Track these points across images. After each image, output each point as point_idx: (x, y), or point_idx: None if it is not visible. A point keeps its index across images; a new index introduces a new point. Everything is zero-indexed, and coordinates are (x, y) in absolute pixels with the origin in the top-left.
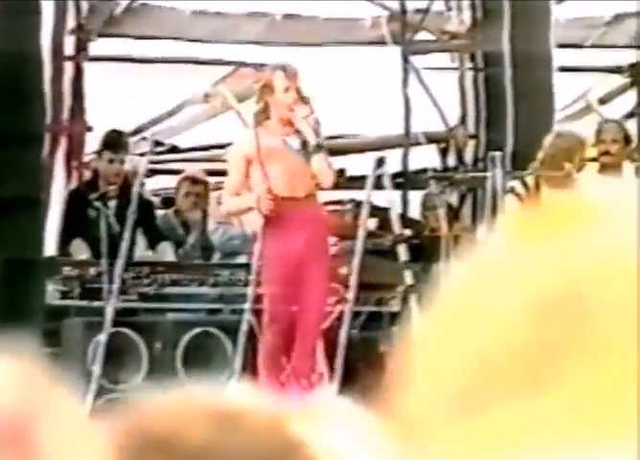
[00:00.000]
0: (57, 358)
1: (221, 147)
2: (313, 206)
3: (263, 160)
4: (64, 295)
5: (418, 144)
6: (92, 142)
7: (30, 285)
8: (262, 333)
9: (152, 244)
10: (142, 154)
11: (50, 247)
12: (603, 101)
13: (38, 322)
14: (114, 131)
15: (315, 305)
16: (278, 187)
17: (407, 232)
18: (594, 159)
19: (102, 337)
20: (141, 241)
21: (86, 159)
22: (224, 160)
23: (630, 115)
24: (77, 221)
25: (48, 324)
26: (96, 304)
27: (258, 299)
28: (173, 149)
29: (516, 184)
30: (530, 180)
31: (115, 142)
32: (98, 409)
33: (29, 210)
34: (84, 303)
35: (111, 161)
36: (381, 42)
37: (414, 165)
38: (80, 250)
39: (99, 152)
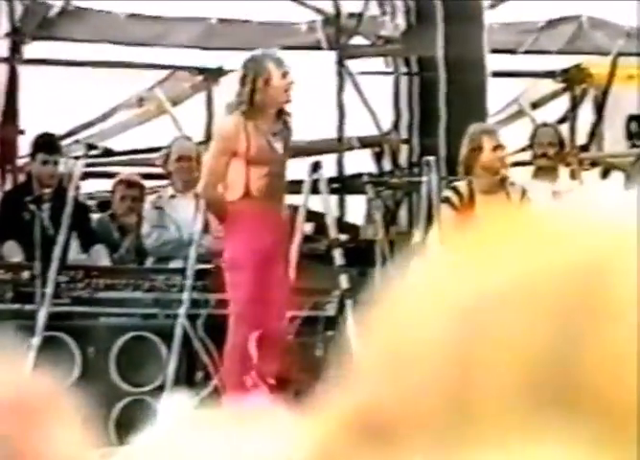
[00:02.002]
0: None
1: (156, 150)
2: (281, 208)
3: (250, 161)
4: None
5: (352, 148)
6: (26, 145)
7: None
8: (230, 334)
9: (86, 248)
10: (76, 157)
11: None
12: (535, 105)
13: None
14: (46, 134)
15: (281, 306)
16: (256, 190)
17: (343, 236)
18: (529, 163)
19: (35, 341)
20: (75, 245)
21: (20, 163)
22: (158, 165)
23: (563, 120)
24: (11, 224)
25: None
26: (29, 307)
27: (193, 303)
28: (108, 153)
29: (450, 193)
30: (463, 187)
31: (48, 144)
32: None
33: None
34: (17, 306)
35: (44, 163)
36: (316, 47)
37: (350, 169)
38: (14, 253)
39: (32, 155)
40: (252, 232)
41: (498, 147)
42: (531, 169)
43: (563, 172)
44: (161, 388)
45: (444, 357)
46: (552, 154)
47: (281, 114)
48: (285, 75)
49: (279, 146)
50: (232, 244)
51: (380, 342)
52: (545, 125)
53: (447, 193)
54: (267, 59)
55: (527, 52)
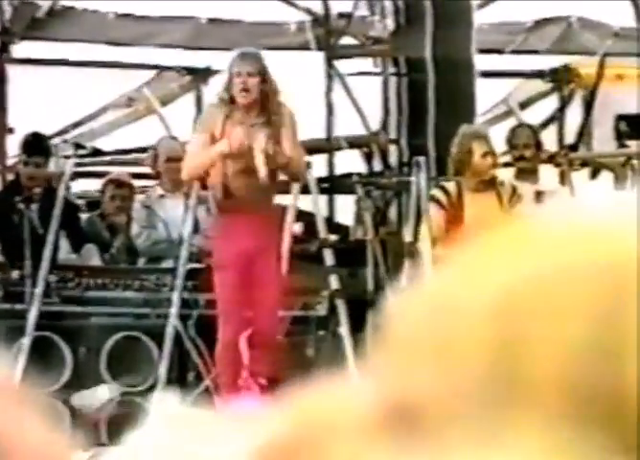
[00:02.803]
0: None
1: (144, 150)
2: (264, 208)
3: (227, 158)
4: None
5: (340, 148)
6: (14, 145)
7: None
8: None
9: (76, 248)
10: (66, 157)
11: None
12: (523, 105)
13: None
14: (36, 134)
15: (269, 305)
16: (235, 189)
17: (333, 237)
18: (509, 164)
19: (26, 341)
20: (65, 245)
21: (9, 162)
22: (147, 165)
23: (551, 120)
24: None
25: None
26: (19, 307)
27: (184, 303)
28: (96, 153)
29: (438, 192)
30: (451, 187)
31: (38, 144)
32: None
33: None
34: (7, 306)
35: (34, 164)
36: (305, 47)
37: (340, 170)
38: None
39: (21, 155)
40: (233, 232)
41: (488, 153)
42: (513, 169)
43: (551, 172)
44: (152, 388)
45: (486, 343)
46: (528, 156)
47: (264, 109)
48: (248, 74)
49: (258, 136)
50: (216, 244)
51: (419, 327)
52: (520, 125)
53: (435, 192)
54: (238, 57)
55: (515, 52)
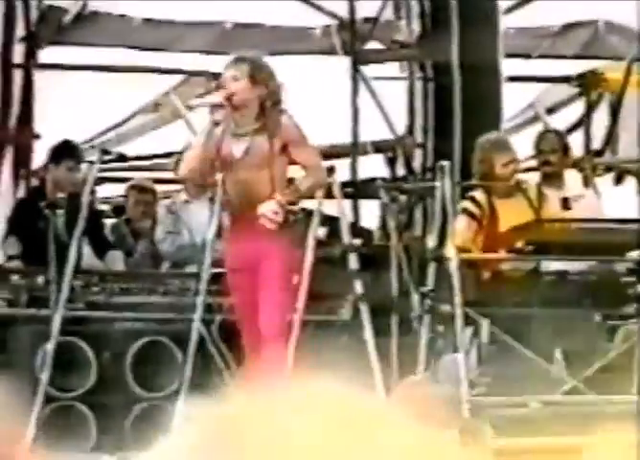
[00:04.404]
0: (5, 367)
1: (170, 155)
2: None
3: (221, 164)
4: (11, 303)
5: (366, 153)
6: (41, 150)
7: None
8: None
9: (100, 253)
10: (91, 162)
11: None
12: (550, 110)
13: None
14: (69, 141)
15: (268, 310)
16: (234, 196)
17: (357, 241)
18: (535, 169)
19: (50, 346)
20: (89, 250)
21: (35, 167)
22: (171, 170)
23: (578, 125)
24: (25, 229)
25: None
26: (44, 312)
27: (208, 308)
28: (122, 158)
29: (468, 203)
30: (480, 196)
31: (71, 151)
32: (45, 418)
33: None
34: (32, 311)
35: (67, 170)
36: (331, 51)
37: (364, 174)
38: (13, 248)
39: (53, 161)
40: (234, 238)
41: (509, 162)
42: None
43: (575, 177)
44: (176, 393)
45: None
46: (554, 161)
47: (260, 117)
48: (233, 78)
49: (241, 149)
50: (225, 250)
51: None
52: (548, 131)
53: (466, 203)
54: (228, 62)
55: (542, 56)
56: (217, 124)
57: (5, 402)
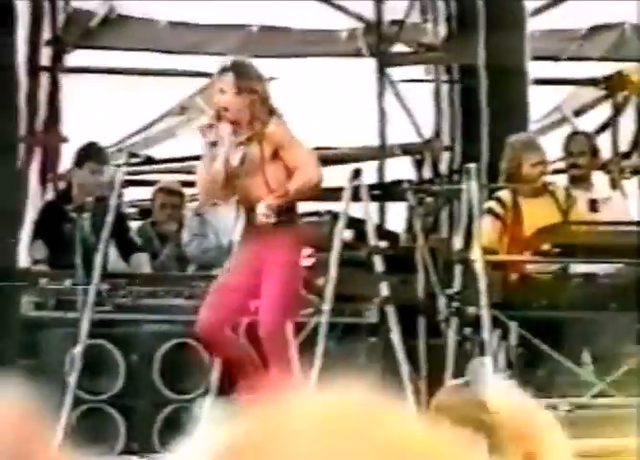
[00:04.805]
0: (34, 370)
1: (196, 158)
2: (284, 227)
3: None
4: (39, 307)
5: (393, 156)
6: (68, 154)
7: (5, 296)
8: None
9: (126, 256)
10: (118, 165)
11: (25, 259)
12: (577, 113)
13: (14, 334)
14: (93, 143)
15: (264, 317)
16: (241, 200)
17: (383, 244)
18: (563, 171)
19: (78, 349)
20: (115, 253)
21: (62, 171)
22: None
23: (605, 127)
24: (51, 233)
25: (23, 336)
26: (71, 315)
27: None
28: (149, 161)
29: (493, 203)
30: (506, 196)
31: (94, 153)
32: (74, 420)
33: (4, 222)
34: (60, 314)
35: (91, 172)
36: (357, 54)
37: (390, 177)
38: (40, 252)
39: (78, 164)
40: (242, 242)
41: (538, 163)
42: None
43: (602, 179)
44: (204, 395)
45: None
46: (582, 163)
47: (251, 123)
48: (220, 90)
49: (238, 158)
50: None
51: None
52: (576, 133)
53: (491, 203)
54: (215, 76)
55: (569, 59)
56: (213, 144)
57: (34, 405)
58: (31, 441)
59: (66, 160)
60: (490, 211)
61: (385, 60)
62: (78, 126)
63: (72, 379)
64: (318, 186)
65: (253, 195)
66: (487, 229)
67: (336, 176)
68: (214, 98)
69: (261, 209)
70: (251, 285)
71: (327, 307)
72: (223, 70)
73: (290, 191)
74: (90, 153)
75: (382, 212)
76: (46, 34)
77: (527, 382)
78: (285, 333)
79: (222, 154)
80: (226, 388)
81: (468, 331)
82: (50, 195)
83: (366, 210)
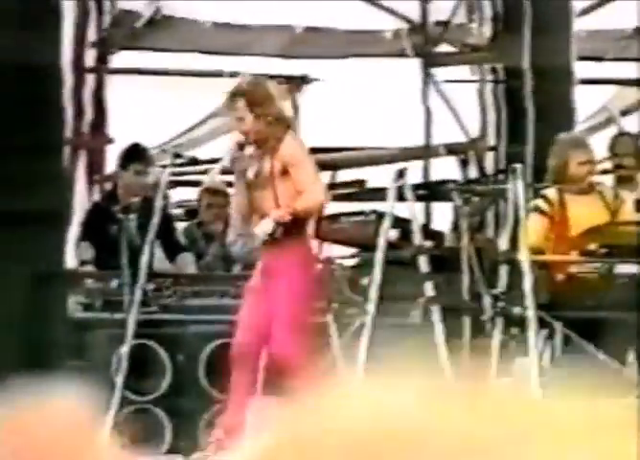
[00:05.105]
0: (82, 371)
1: None
2: (292, 243)
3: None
4: (86, 308)
5: (438, 155)
6: (114, 155)
7: (53, 298)
8: None
9: (171, 256)
10: (163, 166)
11: (72, 260)
12: (623, 113)
13: (62, 335)
14: (138, 144)
15: (280, 331)
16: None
17: (428, 243)
18: (609, 171)
19: (125, 349)
20: (161, 253)
21: (108, 172)
22: None
23: None
24: (97, 234)
25: (71, 337)
26: (118, 316)
27: None
28: (194, 162)
29: (540, 201)
30: (552, 194)
31: (141, 155)
32: (120, 421)
33: (51, 223)
34: (106, 315)
35: (137, 173)
36: (402, 54)
37: (436, 176)
38: (87, 253)
39: (123, 165)
40: (259, 255)
41: (586, 162)
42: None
43: None
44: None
45: None
46: (628, 164)
47: (267, 140)
48: (238, 120)
49: (253, 171)
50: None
51: None
52: (622, 134)
53: (538, 201)
54: (228, 101)
55: (615, 59)
56: (243, 171)
57: (86, 407)
58: (85, 442)
59: (112, 161)
60: (536, 209)
61: (430, 61)
62: (123, 128)
63: (119, 380)
64: (323, 207)
65: (264, 208)
66: (533, 227)
67: (382, 176)
68: (233, 125)
69: (264, 224)
70: (267, 303)
71: (371, 307)
72: (235, 94)
73: (297, 210)
74: (134, 155)
75: (427, 212)
76: (92, 35)
77: (572, 382)
78: (299, 356)
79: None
80: (271, 388)
81: (513, 331)
82: (96, 197)
83: (411, 210)
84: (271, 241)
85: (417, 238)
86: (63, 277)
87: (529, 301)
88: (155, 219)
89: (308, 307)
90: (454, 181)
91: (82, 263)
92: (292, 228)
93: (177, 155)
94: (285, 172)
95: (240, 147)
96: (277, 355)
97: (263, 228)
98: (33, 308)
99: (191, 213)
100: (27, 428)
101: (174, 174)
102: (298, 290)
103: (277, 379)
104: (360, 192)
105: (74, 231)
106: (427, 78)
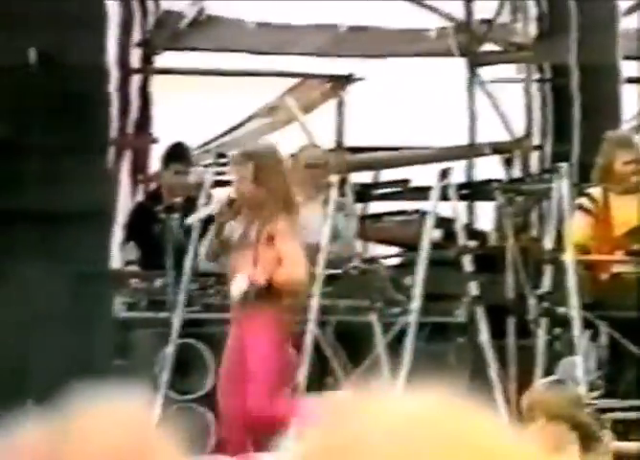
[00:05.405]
0: (127, 370)
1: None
2: (264, 311)
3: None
4: (131, 307)
5: (482, 154)
6: (158, 154)
7: (98, 298)
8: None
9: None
10: (206, 166)
11: (117, 260)
12: None
13: (108, 335)
14: (179, 144)
15: (250, 404)
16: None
17: (472, 243)
18: None
19: (170, 349)
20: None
21: (152, 172)
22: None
23: None
24: (142, 234)
25: (116, 336)
26: (162, 315)
27: (323, 310)
28: None
29: (584, 200)
30: (597, 193)
31: (180, 154)
32: (165, 420)
33: (96, 223)
34: (151, 314)
35: (177, 173)
36: (447, 53)
37: (480, 176)
38: (131, 253)
39: (164, 165)
40: (231, 316)
41: (631, 161)
42: None
43: None
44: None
45: None
46: None
47: (259, 207)
48: (240, 177)
49: (238, 233)
50: None
51: None
52: None
53: (582, 200)
54: (237, 157)
55: None
56: (223, 223)
57: (139, 407)
58: (150, 445)
59: (156, 161)
60: (580, 207)
61: (475, 60)
62: (167, 128)
63: (163, 379)
64: (301, 287)
65: (241, 269)
66: (578, 225)
67: (425, 175)
68: (233, 183)
69: (238, 281)
70: (241, 364)
71: (415, 306)
72: (244, 156)
73: (274, 279)
74: (175, 154)
75: (471, 211)
76: (136, 35)
77: (617, 383)
78: (274, 416)
79: (229, 227)
80: (313, 386)
81: (557, 331)
82: (140, 197)
83: (455, 209)
84: (245, 302)
85: (460, 237)
86: (108, 277)
87: (573, 301)
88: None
89: (280, 369)
90: (498, 180)
91: (127, 263)
92: (266, 296)
93: (221, 155)
94: (270, 240)
95: (230, 203)
96: (254, 416)
97: (238, 285)
98: (78, 308)
99: None
100: (89, 434)
101: (217, 174)
102: (267, 356)
103: (255, 435)
104: (404, 191)
105: (119, 231)
106: (472, 77)
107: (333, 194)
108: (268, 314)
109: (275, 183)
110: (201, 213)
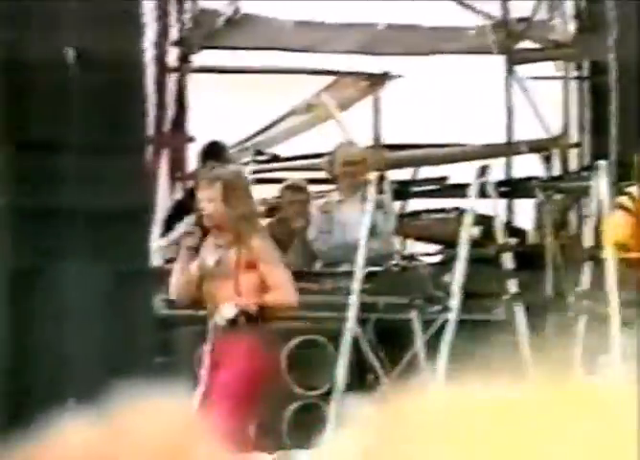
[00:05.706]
0: (168, 368)
1: (321, 156)
2: (248, 334)
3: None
4: (171, 305)
5: (521, 152)
6: (195, 152)
7: (139, 296)
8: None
9: None
10: (243, 164)
11: (156, 258)
12: None
13: (149, 333)
14: (216, 142)
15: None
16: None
17: (512, 240)
18: None
19: (207, 348)
20: None
21: (189, 169)
22: (324, 169)
23: None
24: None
25: (157, 334)
26: (202, 312)
27: (362, 307)
28: (275, 159)
29: (624, 199)
30: (637, 192)
31: (215, 152)
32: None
33: (135, 221)
34: (191, 312)
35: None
36: (485, 51)
37: (519, 173)
38: (170, 250)
39: (202, 163)
40: (206, 343)
41: None
42: None
43: None
44: (331, 391)
45: None
46: None
47: (233, 230)
48: (208, 200)
49: (214, 259)
50: None
51: None
52: None
53: (621, 198)
54: (205, 181)
55: None
56: (191, 249)
57: (183, 405)
58: (194, 441)
59: (193, 159)
60: (621, 206)
61: (513, 57)
62: (204, 126)
63: (202, 376)
64: (291, 308)
65: (221, 296)
66: (618, 224)
67: (463, 173)
68: (200, 203)
69: (224, 310)
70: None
71: (455, 304)
72: (212, 179)
73: (267, 303)
74: (211, 152)
75: (510, 209)
76: (173, 34)
77: None
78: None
79: (200, 256)
80: (353, 384)
81: (596, 328)
82: (178, 195)
83: (494, 207)
84: (229, 328)
85: (499, 235)
86: (148, 275)
87: (613, 298)
88: None
89: (255, 396)
90: (537, 178)
91: (167, 260)
92: (254, 320)
93: (258, 152)
94: (250, 265)
95: (199, 224)
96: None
97: (224, 313)
98: (118, 305)
99: (271, 210)
100: (134, 432)
101: (255, 172)
102: (245, 380)
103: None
104: (442, 188)
105: (157, 229)
106: (511, 74)
107: (372, 191)
108: (254, 339)
109: (244, 204)
110: (175, 233)
